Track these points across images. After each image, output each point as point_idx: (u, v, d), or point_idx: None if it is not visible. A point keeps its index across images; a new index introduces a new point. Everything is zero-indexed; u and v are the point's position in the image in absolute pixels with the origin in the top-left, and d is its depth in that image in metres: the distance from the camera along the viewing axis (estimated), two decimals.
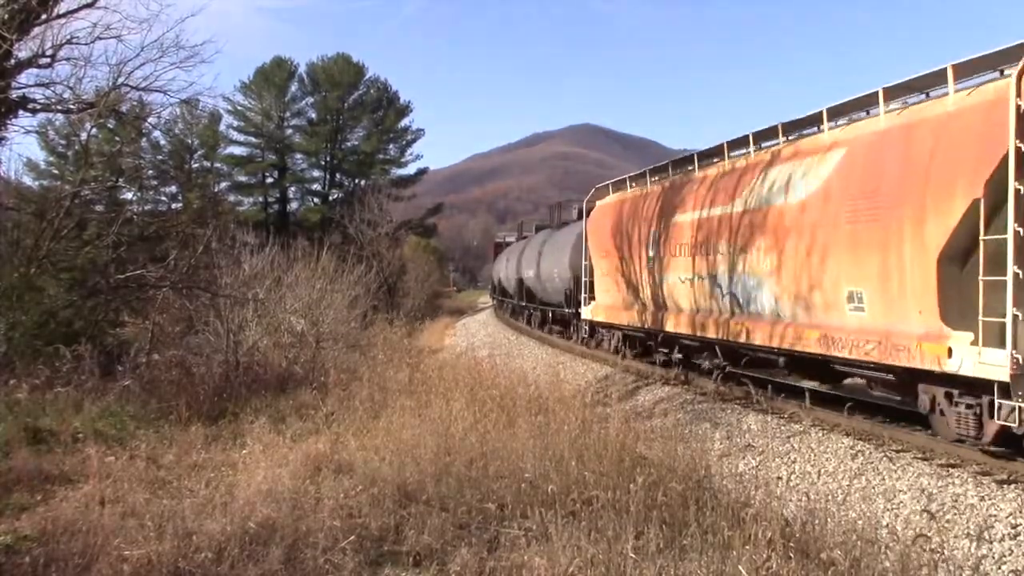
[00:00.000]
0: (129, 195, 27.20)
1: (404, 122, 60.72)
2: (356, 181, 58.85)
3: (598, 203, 20.45)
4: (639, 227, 16.53)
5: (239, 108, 57.26)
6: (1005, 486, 7.56)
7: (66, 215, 13.56)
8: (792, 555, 4.89)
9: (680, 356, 15.40)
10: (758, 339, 11.96)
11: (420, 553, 5.53)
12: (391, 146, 60.81)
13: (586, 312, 20.39)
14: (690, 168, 15.39)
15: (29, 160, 37.21)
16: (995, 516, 6.95)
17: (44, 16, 11.75)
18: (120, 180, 19.57)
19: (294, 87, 58.84)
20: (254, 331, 14.71)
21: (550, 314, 27.55)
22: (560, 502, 5.87)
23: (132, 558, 5.02)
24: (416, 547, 5.61)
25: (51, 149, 39.64)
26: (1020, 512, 6.93)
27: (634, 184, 18.58)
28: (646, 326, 16.28)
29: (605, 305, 19.08)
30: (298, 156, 59.99)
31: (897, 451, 9.10)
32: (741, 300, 12.51)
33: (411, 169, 61.45)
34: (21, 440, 8.25)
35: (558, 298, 25.16)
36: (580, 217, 24.60)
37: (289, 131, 59.67)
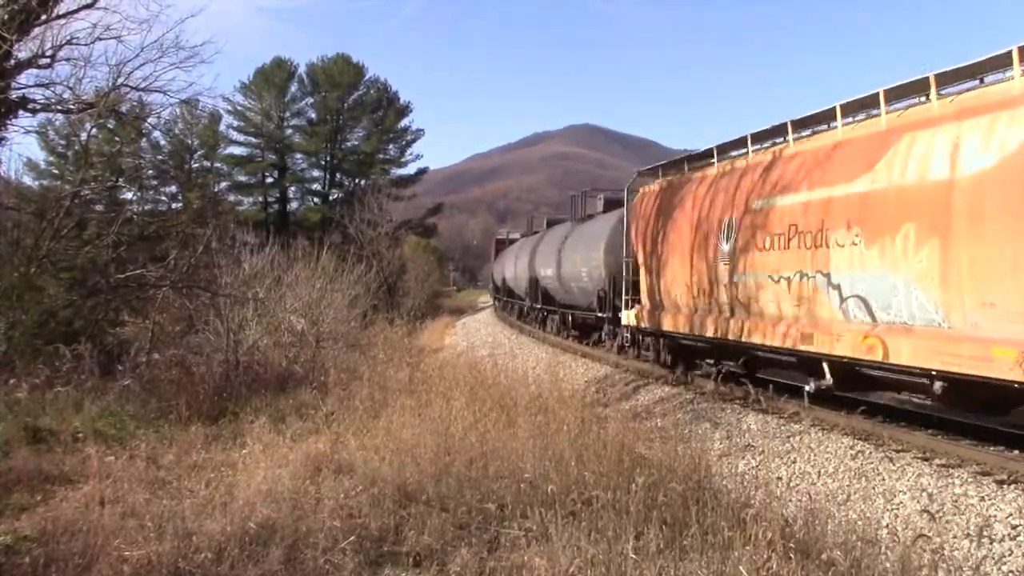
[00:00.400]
0: (129, 195, 27.18)
1: (404, 122, 60.83)
2: (356, 181, 58.88)
3: (644, 188, 17.30)
4: (707, 215, 13.58)
5: (239, 108, 57.36)
6: (1005, 486, 7.56)
7: (66, 215, 13.56)
8: (792, 555, 4.89)
9: (742, 373, 12.63)
10: (904, 357, 9.11)
11: (420, 553, 5.54)
12: (391, 146, 60.88)
13: (628, 317, 17.03)
14: (781, 141, 12.51)
15: (29, 160, 37.20)
16: (995, 516, 6.95)
17: (44, 16, 11.75)
18: (120, 180, 19.56)
19: (294, 87, 58.96)
20: (254, 330, 14.70)
21: (570, 318, 24.44)
22: (560, 502, 5.86)
23: (132, 558, 5.02)
24: (416, 547, 5.61)
25: (51, 149, 39.65)
26: (1020, 512, 6.93)
27: (695, 164, 15.31)
28: (717, 335, 13.13)
29: (654, 309, 15.81)
30: (298, 156, 60.07)
31: (897, 451, 9.10)
32: (873, 304, 9.76)
33: (411, 169, 61.58)
34: (21, 440, 8.24)
35: (586, 300, 21.71)
36: (607, 209, 22.13)
37: (289, 131, 59.77)
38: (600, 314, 19.88)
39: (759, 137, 13.01)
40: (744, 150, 13.44)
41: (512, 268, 35.54)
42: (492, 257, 52.99)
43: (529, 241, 33.27)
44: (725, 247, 12.91)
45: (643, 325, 16.31)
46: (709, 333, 13.37)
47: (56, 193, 16.78)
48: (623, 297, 17.38)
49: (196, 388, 11.20)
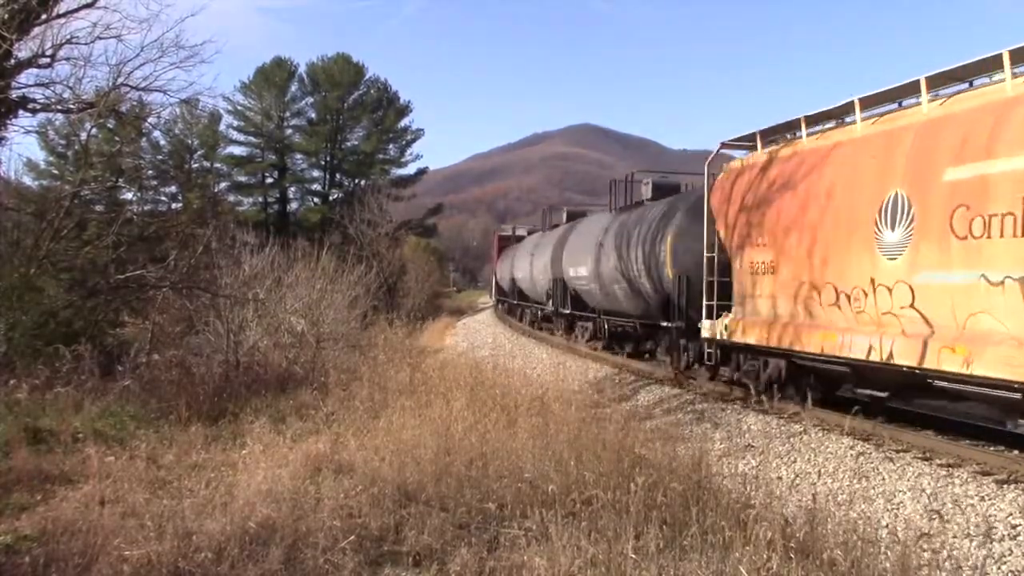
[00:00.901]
0: (129, 195, 27.35)
1: (404, 122, 60.78)
2: (356, 181, 58.86)
3: (733, 164, 13.73)
4: (851, 192, 10.22)
5: (239, 108, 57.31)
6: (1005, 486, 7.56)
7: (66, 215, 13.57)
8: (793, 555, 4.89)
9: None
10: None
11: (420, 553, 5.54)
12: (391, 146, 60.83)
13: (713, 328, 13.28)
14: (970, 86, 9.45)
15: (29, 160, 37.28)
16: (995, 516, 6.96)
17: (44, 16, 11.75)
18: (120, 180, 19.61)
19: (294, 87, 58.89)
20: (254, 331, 14.72)
21: (605, 325, 20.86)
22: (560, 502, 5.86)
23: (132, 558, 5.02)
24: (416, 547, 5.61)
25: (51, 149, 39.66)
26: (1020, 512, 6.93)
27: (819, 127, 11.75)
28: (871, 357, 9.68)
29: (758, 320, 12.20)
30: (298, 156, 60.01)
31: (897, 451, 9.11)
32: None
33: (411, 169, 61.52)
34: (21, 440, 8.24)
35: (638, 306, 17.84)
36: (656, 196, 18.70)
37: (289, 131, 59.71)
38: (665, 323, 15.89)
39: (938, 81, 9.65)
40: (909, 100, 10.21)
41: (526, 267, 30.97)
42: (494, 256, 47.20)
43: (550, 236, 28.18)
44: (890, 236, 9.54)
45: (739, 339, 12.59)
46: (858, 354, 9.91)
47: (56, 193, 16.80)
48: (704, 303, 13.65)
49: (196, 389, 11.21)
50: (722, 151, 14.23)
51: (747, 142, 13.52)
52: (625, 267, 17.90)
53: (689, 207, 15.19)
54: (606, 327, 20.84)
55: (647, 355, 18.38)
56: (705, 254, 13.75)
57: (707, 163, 14.28)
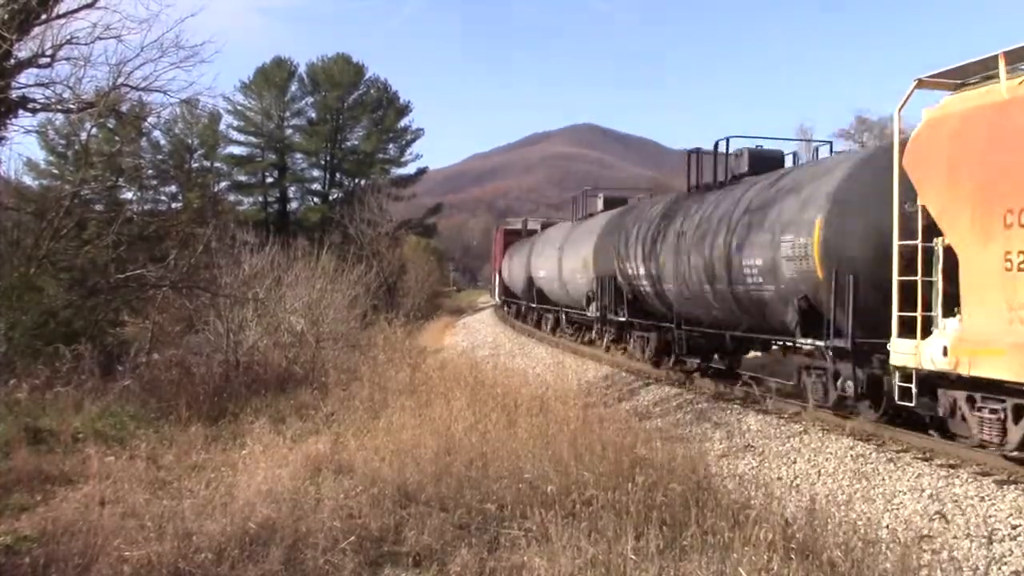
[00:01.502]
0: (129, 195, 27.32)
1: (404, 122, 60.88)
2: (356, 181, 58.98)
3: (948, 107, 8.81)
4: None
5: (239, 108, 57.41)
6: (1005, 486, 7.56)
7: (66, 215, 13.57)
8: (793, 556, 4.89)
9: None
10: None
11: (420, 553, 5.54)
12: (391, 146, 60.95)
13: (919, 351, 8.65)
14: None
15: (29, 160, 37.23)
16: (995, 516, 6.96)
17: (44, 16, 11.75)
18: (120, 180, 19.62)
19: (294, 87, 59.05)
20: (254, 331, 14.72)
21: (680, 337, 15.17)
22: (560, 503, 5.88)
23: (132, 558, 5.03)
24: (416, 547, 5.62)
25: (51, 149, 39.70)
26: (1020, 512, 6.93)
27: None
28: None
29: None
30: (298, 156, 60.15)
31: (897, 451, 9.10)
32: None
33: (411, 169, 61.67)
34: (21, 440, 8.26)
35: (747, 316, 12.80)
36: (753, 168, 14.12)
37: (289, 131, 59.83)
38: (806, 342, 11.05)
39: None
40: None
41: (552, 265, 25.47)
42: (499, 252, 39.91)
43: (588, 226, 23.10)
44: None
45: (972, 372, 8.07)
46: None
47: (56, 193, 16.81)
48: (895, 313, 8.98)
49: (196, 388, 11.23)
50: (917, 89, 9.32)
51: (974, 74, 8.80)
52: (729, 261, 12.81)
53: (851, 174, 10.46)
54: (683, 338, 15.35)
55: (708, 374, 14.85)
56: (895, 241, 9.08)
57: (898, 110, 9.68)
